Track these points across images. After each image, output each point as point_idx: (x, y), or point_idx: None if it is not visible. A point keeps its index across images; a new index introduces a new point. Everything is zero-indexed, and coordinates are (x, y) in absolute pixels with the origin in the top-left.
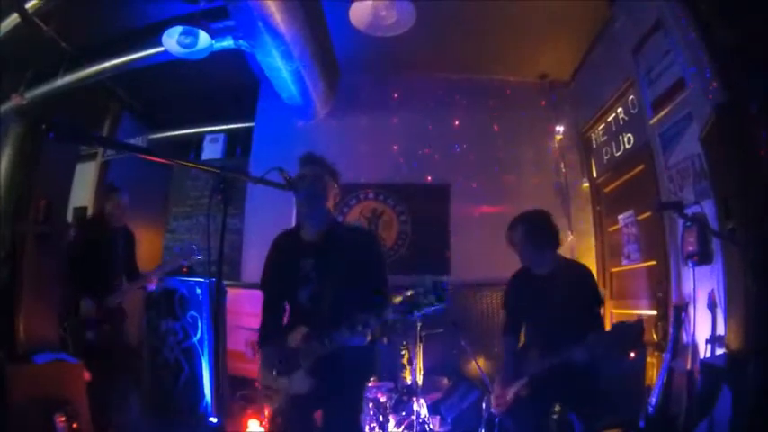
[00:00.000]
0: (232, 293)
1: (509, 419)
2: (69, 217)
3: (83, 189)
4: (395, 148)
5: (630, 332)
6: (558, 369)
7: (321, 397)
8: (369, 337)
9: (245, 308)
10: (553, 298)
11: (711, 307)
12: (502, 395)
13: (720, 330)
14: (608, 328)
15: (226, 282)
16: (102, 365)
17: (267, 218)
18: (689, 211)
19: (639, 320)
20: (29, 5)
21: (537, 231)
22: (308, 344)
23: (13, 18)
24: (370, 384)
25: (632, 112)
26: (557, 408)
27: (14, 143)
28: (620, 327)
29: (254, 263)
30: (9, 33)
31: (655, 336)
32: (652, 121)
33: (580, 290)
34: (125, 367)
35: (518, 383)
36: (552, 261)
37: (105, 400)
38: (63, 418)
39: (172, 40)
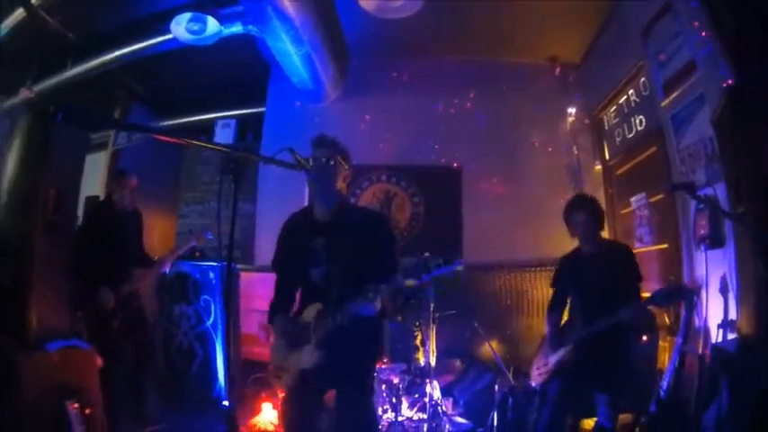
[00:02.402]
0: (245, 277)
1: (547, 388)
2: (81, 206)
3: (94, 178)
4: (406, 130)
5: (676, 290)
6: (597, 349)
7: (331, 377)
8: (378, 305)
9: (259, 291)
10: (599, 274)
11: (723, 291)
12: (544, 364)
13: (732, 315)
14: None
15: (239, 266)
16: (119, 352)
17: (280, 201)
18: (701, 194)
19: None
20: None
21: (598, 214)
22: (320, 318)
23: (19, 12)
24: (383, 366)
25: (644, 93)
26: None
27: (23, 135)
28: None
29: (267, 247)
30: (15, 27)
31: (667, 319)
32: (664, 103)
33: (623, 267)
34: (142, 353)
35: (561, 351)
36: (600, 241)
37: (122, 387)
38: (76, 405)
39: (180, 27)
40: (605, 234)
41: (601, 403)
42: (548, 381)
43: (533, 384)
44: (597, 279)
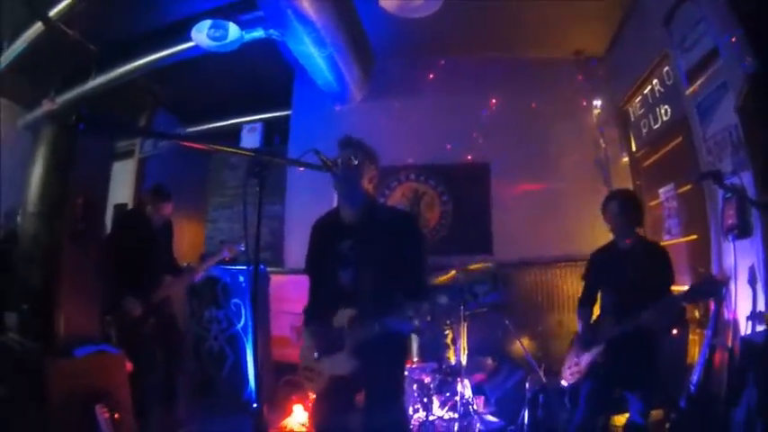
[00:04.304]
0: (276, 280)
1: (579, 388)
2: (109, 214)
3: (122, 186)
4: (433, 129)
5: (708, 287)
6: (628, 347)
7: (362, 379)
8: (416, 324)
9: (290, 294)
10: (631, 269)
11: (752, 282)
12: (576, 363)
13: (761, 306)
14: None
15: (269, 269)
16: (150, 357)
17: (308, 203)
18: (727, 182)
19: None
20: (52, 13)
21: (630, 208)
22: (355, 326)
23: (38, 26)
24: (414, 365)
25: (668, 83)
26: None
27: (48, 145)
28: (695, 286)
29: (296, 249)
30: (35, 41)
31: (697, 313)
32: (688, 92)
33: (656, 266)
34: (173, 358)
35: (594, 351)
36: (635, 237)
37: (152, 391)
38: (105, 410)
39: (201, 35)
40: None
41: (632, 401)
42: (580, 380)
43: (564, 384)
44: (628, 275)
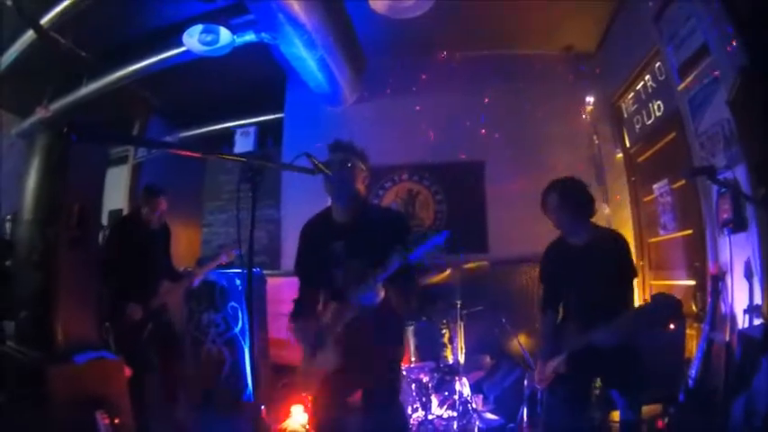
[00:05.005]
0: (272, 282)
1: (551, 395)
2: (105, 220)
3: (117, 192)
4: (426, 128)
5: (666, 307)
6: (597, 353)
7: (357, 378)
8: (381, 293)
9: (286, 296)
10: (589, 270)
11: (748, 276)
12: (542, 371)
13: (758, 300)
14: (646, 299)
15: (266, 271)
16: (148, 362)
17: (304, 206)
18: (721, 177)
19: (675, 298)
20: (43, 21)
21: (571, 198)
22: (334, 311)
23: (30, 35)
24: (412, 365)
25: (660, 79)
26: (598, 383)
27: (42, 153)
28: (656, 300)
29: (293, 251)
30: (27, 49)
31: (694, 307)
32: (680, 87)
33: (616, 261)
34: (172, 363)
35: (557, 360)
36: (588, 230)
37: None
38: (105, 415)
39: (193, 39)
40: (618, 225)
41: (618, 399)
42: (548, 389)
43: (538, 388)
44: (587, 275)
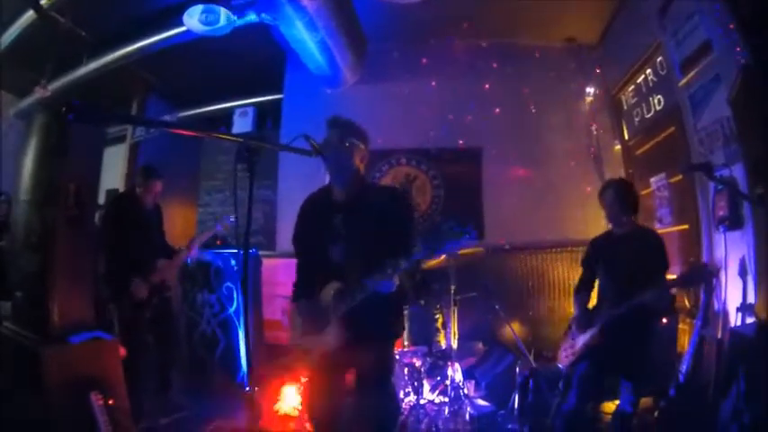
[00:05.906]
0: (268, 263)
1: (572, 372)
2: (102, 199)
3: (114, 171)
4: (425, 113)
5: (700, 270)
6: (622, 333)
7: (352, 356)
8: (397, 281)
9: (282, 277)
10: (627, 255)
11: (742, 274)
12: (571, 346)
13: (751, 298)
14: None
15: (261, 252)
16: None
17: (300, 187)
18: (718, 174)
19: (704, 264)
20: (43, 0)
21: (624, 197)
22: (339, 297)
23: (30, 14)
24: (404, 349)
25: (661, 73)
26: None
27: (40, 133)
28: (692, 267)
29: (288, 233)
30: (27, 29)
31: (687, 302)
32: (681, 83)
33: (652, 252)
34: (167, 342)
35: (589, 333)
36: (630, 223)
37: (146, 376)
38: (100, 396)
39: (193, 20)
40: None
41: (623, 388)
42: (574, 363)
43: (561, 366)
44: (624, 261)
